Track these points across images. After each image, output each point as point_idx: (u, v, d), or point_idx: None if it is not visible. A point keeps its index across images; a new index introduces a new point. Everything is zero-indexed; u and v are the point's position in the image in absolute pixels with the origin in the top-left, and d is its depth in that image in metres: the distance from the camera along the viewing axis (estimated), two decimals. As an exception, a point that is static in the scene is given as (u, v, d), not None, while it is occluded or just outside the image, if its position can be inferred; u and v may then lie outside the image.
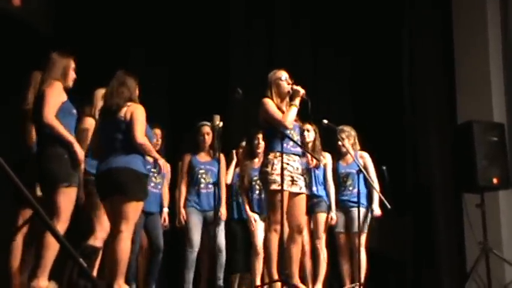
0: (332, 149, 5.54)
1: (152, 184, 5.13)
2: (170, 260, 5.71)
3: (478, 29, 6.48)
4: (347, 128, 5.51)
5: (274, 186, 4.14)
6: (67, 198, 3.70)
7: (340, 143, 5.34)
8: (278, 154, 4.14)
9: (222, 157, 5.18)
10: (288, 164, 4.18)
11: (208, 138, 5.39)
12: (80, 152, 3.77)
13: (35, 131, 3.99)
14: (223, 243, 5.26)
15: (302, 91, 4.30)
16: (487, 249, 5.35)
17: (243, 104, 4.79)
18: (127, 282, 4.23)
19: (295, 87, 4.32)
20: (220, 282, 5.23)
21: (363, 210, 5.26)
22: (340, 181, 5.52)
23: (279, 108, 4.31)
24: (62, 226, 3.62)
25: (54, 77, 3.81)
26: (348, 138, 5.46)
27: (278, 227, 4.11)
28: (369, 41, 6.87)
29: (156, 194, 5.18)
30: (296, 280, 4.26)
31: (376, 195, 5.36)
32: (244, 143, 5.66)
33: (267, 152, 4.34)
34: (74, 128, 3.91)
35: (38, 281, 3.57)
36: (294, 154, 4.29)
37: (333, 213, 5.42)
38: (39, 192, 3.90)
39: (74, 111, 3.88)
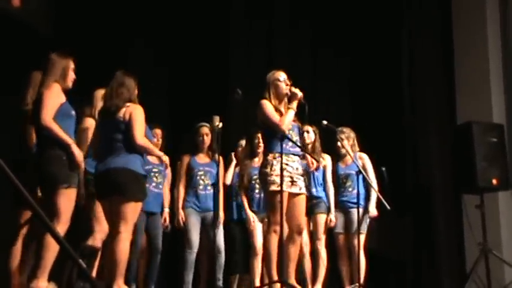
0: (332, 150, 5.54)
1: (154, 184, 5.14)
2: (169, 261, 5.71)
3: (478, 29, 6.48)
4: (346, 130, 5.51)
5: (274, 187, 4.13)
6: (67, 200, 3.70)
7: (339, 143, 5.34)
8: (277, 155, 4.13)
9: (221, 159, 5.17)
10: (287, 164, 4.17)
11: (207, 139, 5.39)
12: (79, 154, 3.77)
13: (35, 132, 3.98)
14: (222, 244, 5.25)
15: (300, 94, 4.29)
16: (487, 250, 5.35)
17: (242, 104, 4.78)
18: (127, 283, 4.23)
19: (293, 89, 4.31)
20: (220, 283, 5.22)
21: (362, 211, 5.26)
22: (340, 182, 5.52)
23: (277, 110, 4.30)
24: (62, 227, 3.62)
25: (54, 78, 3.81)
26: (347, 139, 5.45)
27: (278, 228, 4.10)
28: (368, 41, 6.88)
29: (158, 193, 5.18)
30: (292, 281, 4.25)
31: (374, 196, 5.36)
32: (243, 142, 5.67)
33: (266, 153, 4.34)
34: (74, 129, 3.91)
35: (37, 281, 3.57)
36: (293, 154, 4.28)
37: (332, 216, 5.42)
38: (39, 193, 3.90)
39: (73, 112, 3.88)
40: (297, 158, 4.32)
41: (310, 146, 5.26)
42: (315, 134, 5.36)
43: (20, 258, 4.10)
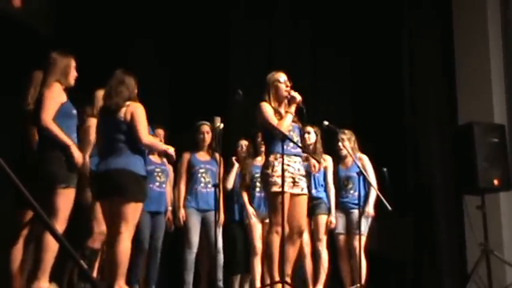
0: (333, 151, 5.53)
1: (157, 184, 5.15)
2: (171, 261, 5.70)
3: (479, 29, 6.47)
4: (347, 131, 5.51)
5: (275, 188, 4.13)
6: (65, 199, 3.69)
7: (340, 144, 5.34)
8: (279, 156, 4.13)
9: (221, 160, 5.17)
10: (288, 165, 4.17)
11: (208, 137, 5.39)
12: (78, 155, 3.76)
13: (36, 132, 3.98)
14: (220, 244, 5.25)
15: (298, 98, 4.27)
16: (488, 250, 5.34)
17: (243, 105, 4.78)
18: (130, 284, 4.22)
19: (292, 93, 4.29)
20: (220, 284, 5.22)
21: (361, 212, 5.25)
22: (341, 185, 5.51)
23: (277, 112, 4.29)
24: (59, 227, 3.61)
25: (55, 77, 3.81)
26: (349, 140, 5.45)
27: (279, 229, 4.10)
28: (368, 41, 6.87)
29: (161, 193, 5.19)
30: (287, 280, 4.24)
31: (372, 197, 5.35)
32: (243, 142, 5.68)
33: (267, 154, 4.33)
34: (75, 129, 3.91)
35: (38, 282, 3.56)
36: (294, 155, 4.28)
37: (333, 217, 5.41)
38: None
39: (74, 111, 3.87)
40: (298, 158, 4.32)
41: (311, 147, 5.25)
42: (316, 135, 5.36)
43: (21, 259, 4.09)
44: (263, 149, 5.24)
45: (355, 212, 5.24)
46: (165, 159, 5.27)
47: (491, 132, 5.63)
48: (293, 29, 7.10)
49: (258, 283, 5.24)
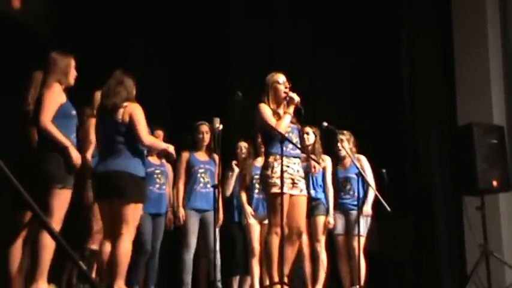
0: (331, 152, 5.53)
1: (157, 185, 5.15)
2: (170, 262, 5.70)
3: (478, 29, 6.47)
4: (346, 132, 5.51)
5: (275, 190, 4.13)
6: (61, 200, 3.68)
7: (339, 144, 5.34)
8: (278, 157, 4.12)
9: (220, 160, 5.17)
10: (288, 166, 4.17)
11: (207, 137, 5.38)
12: (76, 157, 3.75)
13: (36, 132, 3.98)
14: (217, 244, 5.24)
15: (297, 99, 4.27)
16: (487, 251, 5.34)
17: (242, 106, 4.77)
18: (130, 285, 4.22)
19: (290, 94, 4.29)
20: (219, 284, 5.22)
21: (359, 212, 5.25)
22: (340, 186, 5.51)
23: (275, 113, 4.29)
24: (55, 227, 3.60)
25: (55, 77, 3.80)
26: (348, 141, 5.45)
27: (279, 230, 4.10)
28: (368, 41, 6.87)
29: (161, 194, 5.19)
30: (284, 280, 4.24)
31: (371, 197, 5.35)
32: (242, 144, 5.67)
33: (266, 155, 4.33)
34: (75, 129, 3.90)
35: (37, 284, 3.55)
36: (293, 157, 4.28)
37: (331, 218, 5.41)
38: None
39: (74, 112, 3.87)
40: (297, 160, 4.32)
41: (310, 148, 5.25)
42: (315, 136, 5.36)
43: (20, 259, 4.09)
44: (263, 149, 5.25)
45: (354, 212, 5.24)
46: (164, 160, 5.27)
47: (491, 133, 5.63)
48: (293, 30, 7.10)
49: (256, 285, 5.23)
